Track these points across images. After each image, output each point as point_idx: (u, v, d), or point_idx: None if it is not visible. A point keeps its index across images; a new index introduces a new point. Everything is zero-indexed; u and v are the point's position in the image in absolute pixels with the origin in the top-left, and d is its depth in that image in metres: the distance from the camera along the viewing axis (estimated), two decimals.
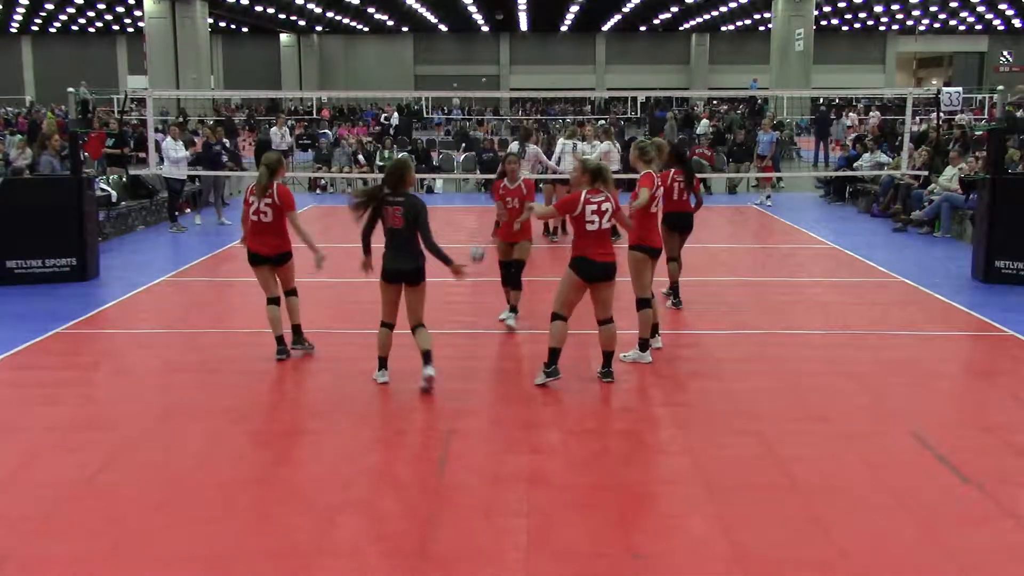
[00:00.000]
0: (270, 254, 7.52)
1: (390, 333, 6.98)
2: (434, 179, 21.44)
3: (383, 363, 7.04)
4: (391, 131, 28.31)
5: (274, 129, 21.14)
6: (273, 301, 7.61)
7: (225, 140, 18.36)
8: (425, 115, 39.90)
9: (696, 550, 4.59)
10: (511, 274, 8.72)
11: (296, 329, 7.77)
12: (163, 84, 34.29)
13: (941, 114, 17.83)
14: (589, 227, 6.78)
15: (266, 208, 7.42)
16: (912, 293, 10.34)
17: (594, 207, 6.77)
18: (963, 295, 10.20)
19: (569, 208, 6.86)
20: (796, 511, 5.03)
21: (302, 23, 55.14)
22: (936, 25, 58.42)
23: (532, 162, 13.84)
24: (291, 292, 7.74)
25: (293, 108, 41.44)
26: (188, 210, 17.19)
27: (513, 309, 8.82)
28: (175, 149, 15.33)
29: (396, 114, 34.15)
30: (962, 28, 58.76)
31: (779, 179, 21.62)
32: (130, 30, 57.03)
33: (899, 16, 54.40)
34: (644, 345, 7.70)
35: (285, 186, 7.65)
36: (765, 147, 19.73)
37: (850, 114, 34.72)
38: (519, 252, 8.77)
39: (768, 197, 18.92)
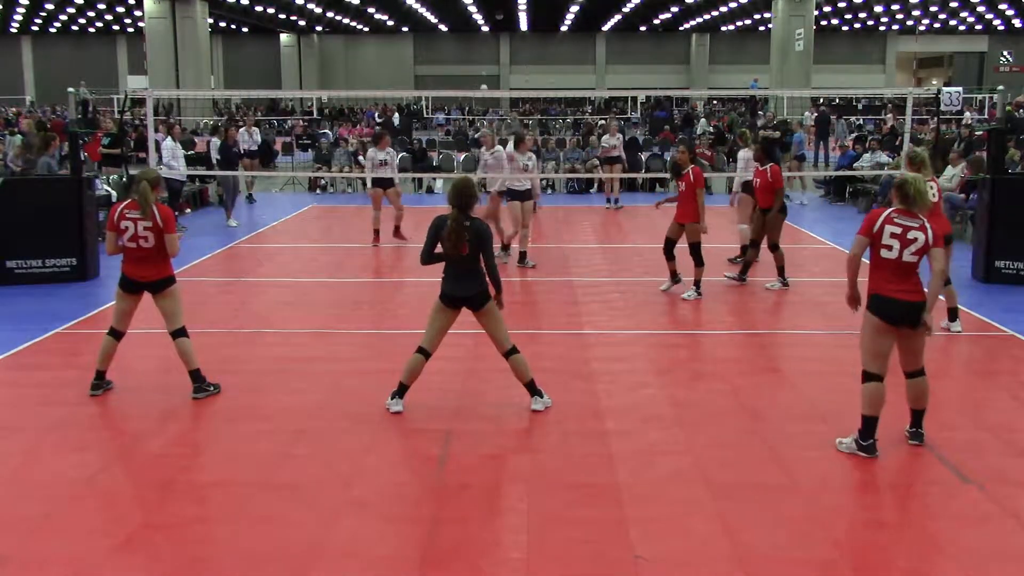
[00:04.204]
0: (150, 279, 6.64)
1: (425, 361, 6.38)
2: (434, 179, 21.44)
3: (403, 392, 6.43)
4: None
5: (242, 130, 21.07)
6: (114, 334, 6.74)
7: (240, 137, 18.62)
8: (425, 115, 39.92)
9: (696, 550, 4.59)
10: (670, 249, 10.02)
11: (195, 375, 6.74)
12: (163, 84, 34.28)
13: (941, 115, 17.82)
14: (884, 253, 5.60)
15: (146, 232, 6.54)
16: None
17: (898, 230, 5.56)
18: (963, 295, 10.15)
19: (867, 225, 5.68)
20: (796, 511, 5.03)
21: (302, 23, 55.19)
22: (936, 25, 58.45)
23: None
24: (178, 332, 6.70)
25: (292, 108, 41.45)
26: (188, 210, 17.19)
27: (674, 277, 10.19)
28: (174, 150, 15.30)
29: (396, 114, 34.18)
30: (962, 28, 58.79)
31: None
32: (130, 30, 57.10)
33: (899, 16, 54.45)
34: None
35: (164, 205, 6.81)
36: (798, 147, 19.77)
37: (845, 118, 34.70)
38: (690, 234, 9.82)
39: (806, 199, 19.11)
